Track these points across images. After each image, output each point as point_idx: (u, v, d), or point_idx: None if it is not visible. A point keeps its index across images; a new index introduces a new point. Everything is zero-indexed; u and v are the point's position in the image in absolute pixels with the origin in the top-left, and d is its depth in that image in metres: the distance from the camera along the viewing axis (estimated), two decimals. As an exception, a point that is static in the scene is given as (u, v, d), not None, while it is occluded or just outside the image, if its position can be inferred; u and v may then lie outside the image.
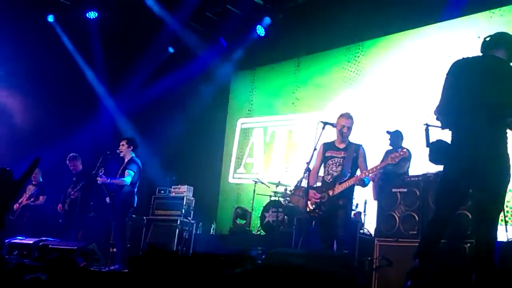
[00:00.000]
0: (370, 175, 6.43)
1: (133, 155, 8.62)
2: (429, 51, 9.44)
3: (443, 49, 9.05)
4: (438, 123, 4.64)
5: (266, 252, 7.29)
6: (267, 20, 11.39)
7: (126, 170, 8.39)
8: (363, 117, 9.64)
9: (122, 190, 8.32)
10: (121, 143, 8.68)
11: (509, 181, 4.35)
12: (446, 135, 4.62)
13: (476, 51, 4.74)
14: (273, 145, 11.86)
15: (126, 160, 8.58)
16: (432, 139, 4.61)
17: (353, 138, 6.62)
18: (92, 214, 9.71)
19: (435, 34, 9.48)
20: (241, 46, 12.14)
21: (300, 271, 3.70)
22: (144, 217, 10.19)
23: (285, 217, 8.93)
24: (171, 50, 12.72)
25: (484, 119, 4.29)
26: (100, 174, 8.32)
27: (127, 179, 8.31)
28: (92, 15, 11.65)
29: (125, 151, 8.60)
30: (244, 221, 10.04)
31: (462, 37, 8.91)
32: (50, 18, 11.86)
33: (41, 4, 11.45)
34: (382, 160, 6.80)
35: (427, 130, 4.67)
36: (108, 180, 8.30)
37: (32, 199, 9.98)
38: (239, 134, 12.67)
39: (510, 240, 5.94)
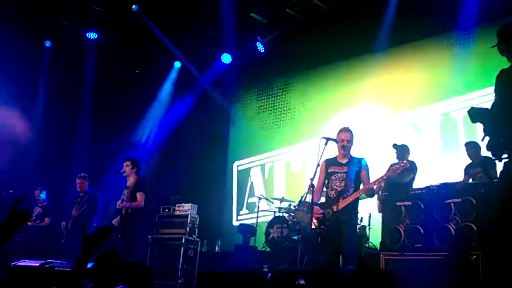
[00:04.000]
0: (375, 187, 6.45)
1: (137, 176, 8.60)
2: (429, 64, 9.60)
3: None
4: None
5: (272, 270, 7.27)
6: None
7: (138, 193, 8.34)
8: (363, 132, 9.80)
9: (134, 211, 8.31)
10: (124, 163, 8.61)
11: None
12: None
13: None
14: (273, 180, 11.95)
15: (132, 181, 8.52)
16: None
17: (355, 153, 6.64)
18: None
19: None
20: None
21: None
22: (149, 236, 10.17)
23: (290, 233, 8.91)
24: (177, 64, 12.80)
25: None
26: (123, 199, 8.30)
27: (142, 202, 8.32)
28: (92, 35, 11.74)
29: (129, 172, 8.57)
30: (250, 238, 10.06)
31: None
32: (47, 44, 11.99)
33: (41, 26, 11.54)
34: (385, 173, 6.81)
35: None
36: (128, 205, 8.25)
37: (38, 221, 9.99)
38: (237, 177, 12.72)
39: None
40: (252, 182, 12.34)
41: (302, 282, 4.61)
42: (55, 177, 10.80)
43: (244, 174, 12.55)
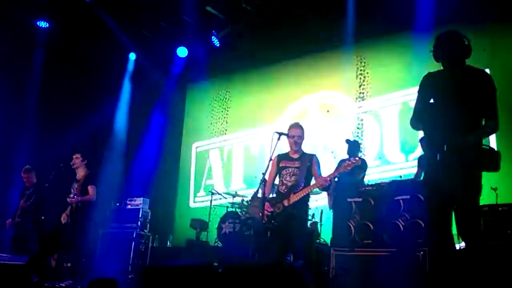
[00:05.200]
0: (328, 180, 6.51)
1: (87, 168, 8.46)
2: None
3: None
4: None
5: (222, 264, 7.24)
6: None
7: (89, 186, 8.21)
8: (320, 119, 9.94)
9: (85, 205, 8.15)
10: (74, 156, 8.49)
11: None
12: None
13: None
14: (231, 163, 11.94)
15: (82, 174, 8.38)
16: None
17: (307, 149, 6.66)
18: (46, 228, 9.49)
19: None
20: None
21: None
22: (100, 230, 10.01)
23: (243, 228, 8.90)
24: (132, 56, 12.63)
25: None
26: (74, 193, 8.12)
27: (94, 195, 8.17)
28: (43, 24, 11.43)
29: (79, 164, 8.43)
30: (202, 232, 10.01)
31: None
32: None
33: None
34: (336, 169, 6.87)
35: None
36: (79, 199, 8.10)
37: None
38: (195, 158, 12.67)
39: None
40: (210, 164, 12.29)
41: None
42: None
43: (203, 156, 12.50)
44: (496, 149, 4.29)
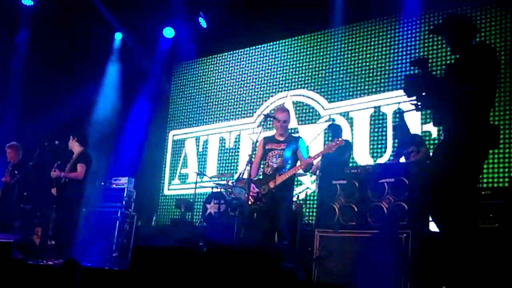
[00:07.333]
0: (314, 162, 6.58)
1: (83, 148, 8.40)
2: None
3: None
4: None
5: (207, 245, 7.30)
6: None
7: (79, 164, 8.14)
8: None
9: (73, 183, 8.11)
10: (70, 136, 8.43)
11: None
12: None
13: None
14: (207, 153, 11.96)
15: (76, 153, 8.35)
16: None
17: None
18: (29, 206, 9.47)
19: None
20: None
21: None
22: (84, 209, 9.99)
23: (228, 208, 8.95)
24: (118, 36, 12.55)
25: None
26: (55, 168, 8.06)
27: (81, 174, 8.12)
28: (27, 2, 11.30)
29: (73, 144, 8.38)
30: (187, 213, 10.04)
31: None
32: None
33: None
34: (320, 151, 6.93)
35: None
36: (62, 174, 8.06)
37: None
38: (171, 146, 12.69)
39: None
40: (186, 153, 12.30)
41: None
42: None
43: (179, 145, 12.52)
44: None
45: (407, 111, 4.61)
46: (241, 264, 4.35)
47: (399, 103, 8.84)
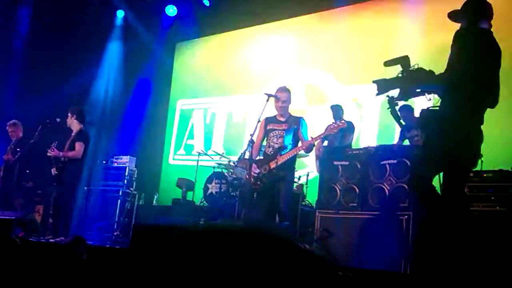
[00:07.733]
0: (314, 149, 6.54)
1: (81, 126, 8.37)
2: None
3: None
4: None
5: (208, 224, 7.31)
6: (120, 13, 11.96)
7: (77, 142, 8.12)
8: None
9: (72, 161, 8.10)
10: (68, 114, 8.40)
11: None
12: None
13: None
14: (214, 127, 11.89)
15: (74, 131, 8.32)
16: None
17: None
18: (31, 184, 9.48)
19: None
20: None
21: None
22: (85, 188, 10.00)
23: (229, 188, 8.94)
24: (121, 14, 12.45)
25: None
26: (52, 147, 8.03)
27: (80, 152, 8.10)
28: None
29: (72, 122, 8.34)
30: (188, 192, 10.03)
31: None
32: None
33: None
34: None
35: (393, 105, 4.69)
36: (61, 154, 8.04)
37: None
38: (179, 116, 12.60)
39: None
40: (193, 124, 12.25)
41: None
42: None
43: (187, 114, 12.44)
44: None
45: (396, 98, 4.57)
46: (241, 244, 4.34)
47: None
